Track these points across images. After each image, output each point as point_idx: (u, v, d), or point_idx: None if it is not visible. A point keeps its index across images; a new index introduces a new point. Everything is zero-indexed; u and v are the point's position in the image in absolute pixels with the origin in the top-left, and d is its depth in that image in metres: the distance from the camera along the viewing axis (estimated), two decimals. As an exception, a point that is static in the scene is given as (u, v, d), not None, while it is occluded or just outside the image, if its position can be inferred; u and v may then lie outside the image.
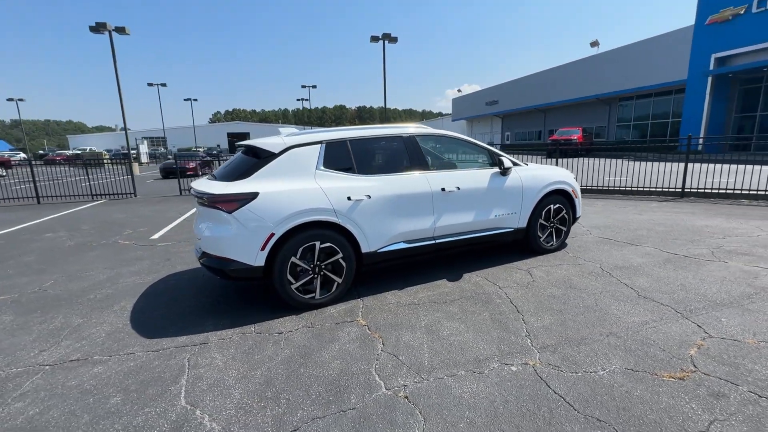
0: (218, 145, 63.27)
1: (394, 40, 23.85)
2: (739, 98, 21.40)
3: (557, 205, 4.62)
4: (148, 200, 11.09)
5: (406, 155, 3.81)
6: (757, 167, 9.22)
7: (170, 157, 37.08)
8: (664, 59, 25.01)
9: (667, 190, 8.90)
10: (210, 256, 3.24)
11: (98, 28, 19.34)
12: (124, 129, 21.59)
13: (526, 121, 41.80)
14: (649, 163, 12.71)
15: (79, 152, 42.85)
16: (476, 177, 4.07)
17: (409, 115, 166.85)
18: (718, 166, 12.00)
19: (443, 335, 2.86)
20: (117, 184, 13.89)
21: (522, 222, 4.39)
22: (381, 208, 3.51)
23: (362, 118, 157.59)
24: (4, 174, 22.33)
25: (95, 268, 4.80)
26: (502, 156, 4.22)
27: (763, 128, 20.08)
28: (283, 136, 3.48)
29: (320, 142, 3.47)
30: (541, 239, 4.60)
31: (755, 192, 7.83)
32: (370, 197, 3.45)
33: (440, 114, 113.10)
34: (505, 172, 4.19)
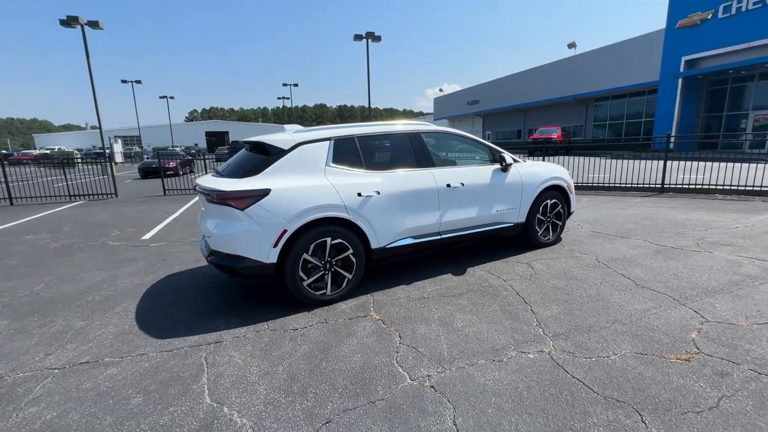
0: (196, 144, 61.69)
1: (377, 39, 23.90)
2: (707, 99, 22.52)
3: (553, 200, 4.77)
4: (131, 200, 10.73)
5: (412, 152, 3.86)
6: (723, 164, 9.79)
7: (147, 156, 35.91)
8: (637, 61, 26.03)
9: (647, 186, 9.30)
10: (220, 254, 3.20)
11: (70, 21, 18.52)
12: (99, 127, 20.81)
13: (507, 120, 42.66)
14: (626, 161, 13.22)
15: (47, 152, 40.90)
16: (479, 173, 4.16)
17: (390, 115, 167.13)
18: (689, 163, 12.63)
19: (457, 327, 2.93)
20: (95, 185, 13.35)
21: (521, 217, 4.51)
22: (390, 204, 3.55)
23: (343, 117, 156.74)
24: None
25: (88, 270, 4.63)
26: (503, 153, 4.34)
27: (729, 128, 21.21)
28: (292, 133, 3.46)
29: (329, 139, 3.47)
30: (539, 233, 4.75)
31: (728, 187, 8.30)
32: (379, 193, 3.48)
33: (421, 113, 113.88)
34: (506, 168, 4.30)
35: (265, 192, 3.07)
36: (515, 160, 4.47)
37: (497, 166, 4.31)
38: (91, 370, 2.53)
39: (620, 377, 2.25)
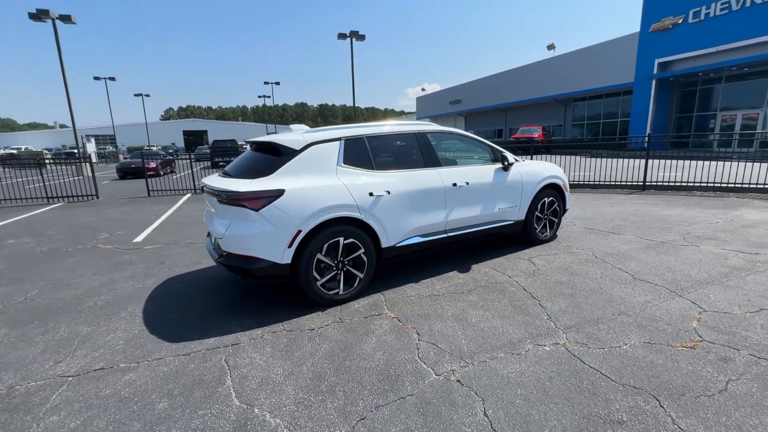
0: (173, 144, 59.91)
1: (361, 38, 23.86)
2: (678, 100, 23.57)
3: (550, 198, 4.93)
4: (114, 202, 10.37)
5: (419, 151, 3.92)
6: (695, 162, 10.34)
7: (124, 156, 34.69)
8: (613, 63, 26.97)
9: (629, 183, 9.69)
10: (232, 255, 3.16)
11: (40, 15, 17.69)
12: (73, 126, 19.94)
13: (488, 119, 43.36)
14: (606, 160, 13.72)
15: (13, 152, 38.85)
16: (483, 172, 4.26)
17: (372, 114, 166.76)
18: (665, 161, 13.22)
19: (472, 322, 3.00)
20: (73, 185, 12.81)
21: (521, 214, 4.65)
22: (399, 203, 3.59)
23: (324, 116, 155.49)
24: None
25: (82, 274, 4.48)
26: (505, 152, 4.45)
27: (699, 128, 22.27)
28: (302, 133, 3.46)
29: (339, 139, 3.49)
30: (537, 230, 4.90)
31: (705, 184, 8.75)
32: (389, 193, 3.52)
33: (403, 112, 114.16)
34: (507, 167, 4.42)
35: (280, 192, 3.06)
36: (516, 160, 4.59)
37: (499, 165, 4.42)
38: (108, 377, 2.47)
39: (633, 366, 2.37)
